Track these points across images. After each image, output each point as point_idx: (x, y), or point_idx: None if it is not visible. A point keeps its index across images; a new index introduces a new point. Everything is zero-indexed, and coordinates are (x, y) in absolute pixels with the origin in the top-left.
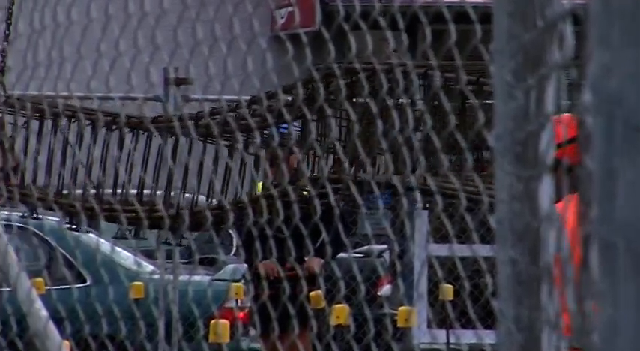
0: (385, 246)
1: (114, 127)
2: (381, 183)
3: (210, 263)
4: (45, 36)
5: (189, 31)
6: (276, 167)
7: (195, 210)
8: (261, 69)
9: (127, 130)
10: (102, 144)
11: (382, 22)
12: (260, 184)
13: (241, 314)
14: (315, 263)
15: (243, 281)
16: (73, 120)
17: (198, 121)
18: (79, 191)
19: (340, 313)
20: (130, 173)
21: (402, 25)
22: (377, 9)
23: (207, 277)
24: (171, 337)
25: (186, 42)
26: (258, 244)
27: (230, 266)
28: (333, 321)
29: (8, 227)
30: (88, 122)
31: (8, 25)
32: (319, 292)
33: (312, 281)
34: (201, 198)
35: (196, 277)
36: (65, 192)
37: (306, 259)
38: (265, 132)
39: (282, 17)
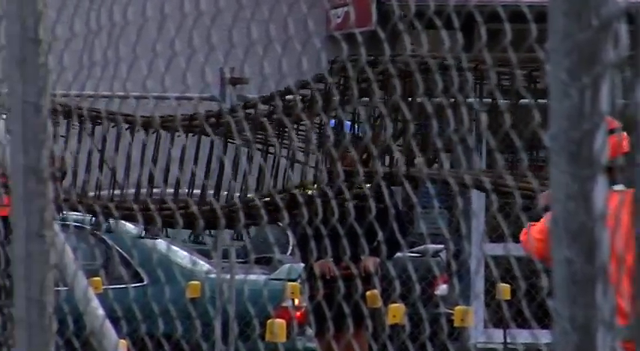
0: (442, 246)
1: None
2: (436, 180)
3: (266, 263)
4: (101, 36)
5: (244, 31)
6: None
7: (249, 205)
8: (315, 68)
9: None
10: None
11: (437, 21)
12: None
13: (298, 314)
14: (370, 263)
15: (299, 281)
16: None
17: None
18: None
19: (396, 312)
20: (192, 174)
21: (457, 24)
22: (431, 8)
23: (264, 277)
24: (227, 337)
25: (241, 42)
26: (313, 244)
27: (286, 266)
28: (389, 320)
29: (65, 226)
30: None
31: None
32: (375, 291)
33: (367, 281)
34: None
35: (252, 277)
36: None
37: (362, 258)
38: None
39: (338, 17)
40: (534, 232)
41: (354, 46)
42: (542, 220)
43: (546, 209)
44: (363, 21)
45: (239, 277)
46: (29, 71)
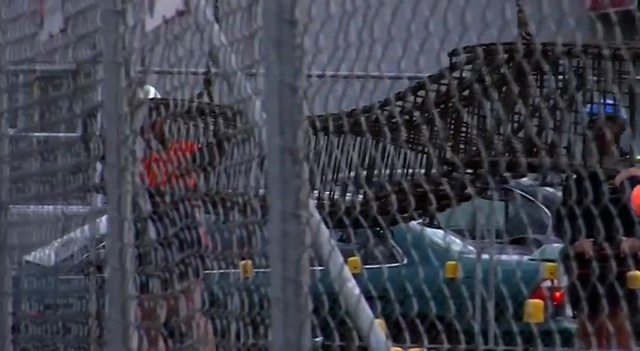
0: None
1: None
2: None
3: (523, 243)
4: (357, 17)
5: (498, 10)
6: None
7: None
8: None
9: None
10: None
11: None
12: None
13: (557, 294)
14: (627, 244)
15: (558, 261)
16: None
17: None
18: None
19: None
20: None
21: None
22: None
23: (524, 257)
24: (484, 317)
25: (495, 22)
26: (567, 224)
27: (544, 246)
28: None
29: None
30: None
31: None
32: (636, 272)
33: (623, 262)
34: None
35: (512, 257)
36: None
37: (624, 239)
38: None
39: None
40: None
41: (609, 26)
42: None
43: (621, 187)
44: (620, 0)
45: (498, 257)
46: (285, 52)
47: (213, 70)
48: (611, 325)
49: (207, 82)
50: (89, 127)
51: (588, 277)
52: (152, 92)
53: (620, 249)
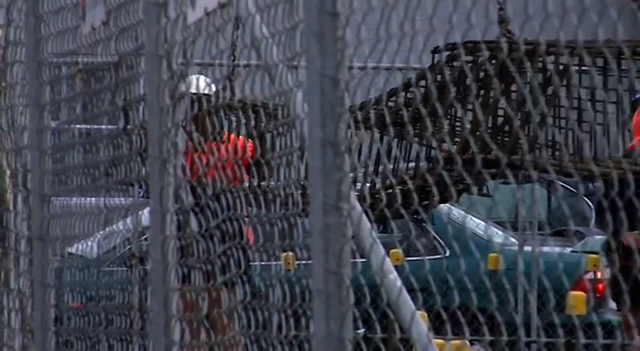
0: None
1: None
2: None
3: (568, 235)
4: (398, 8)
5: (539, 2)
6: None
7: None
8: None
9: None
10: None
11: None
12: None
13: (599, 286)
14: None
15: (601, 253)
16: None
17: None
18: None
19: None
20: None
21: None
22: None
23: (566, 249)
24: (526, 309)
25: (537, 13)
26: (609, 216)
27: (586, 238)
28: None
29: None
30: None
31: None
32: None
33: None
34: None
35: (554, 249)
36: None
37: None
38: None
39: None
40: None
41: None
42: None
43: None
44: None
45: (539, 249)
46: (327, 44)
47: (236, 63)
48: None
49: (231, 77)
50: (131, 119)
51: (631, 270)
52: (204, 85)
53: None
